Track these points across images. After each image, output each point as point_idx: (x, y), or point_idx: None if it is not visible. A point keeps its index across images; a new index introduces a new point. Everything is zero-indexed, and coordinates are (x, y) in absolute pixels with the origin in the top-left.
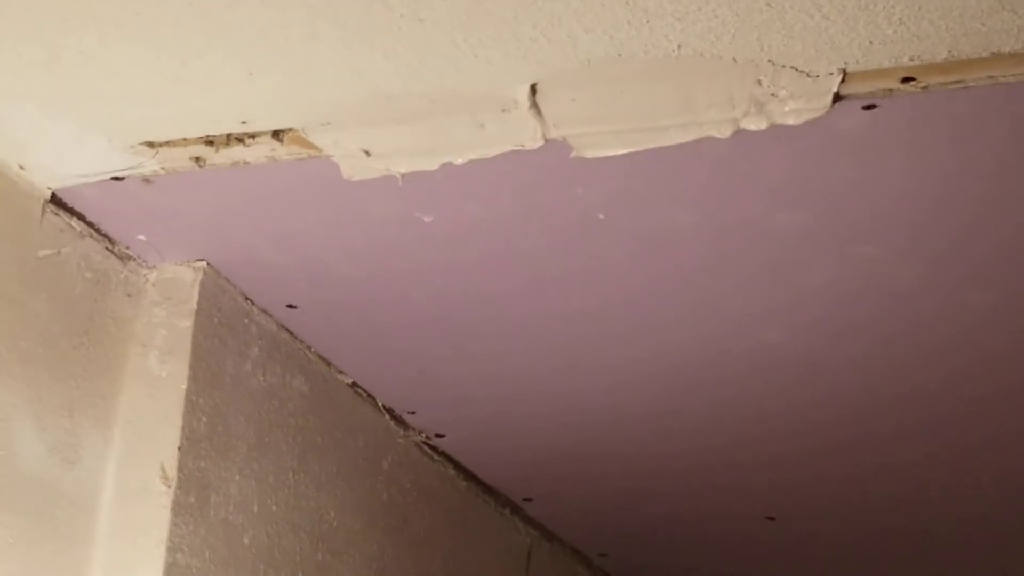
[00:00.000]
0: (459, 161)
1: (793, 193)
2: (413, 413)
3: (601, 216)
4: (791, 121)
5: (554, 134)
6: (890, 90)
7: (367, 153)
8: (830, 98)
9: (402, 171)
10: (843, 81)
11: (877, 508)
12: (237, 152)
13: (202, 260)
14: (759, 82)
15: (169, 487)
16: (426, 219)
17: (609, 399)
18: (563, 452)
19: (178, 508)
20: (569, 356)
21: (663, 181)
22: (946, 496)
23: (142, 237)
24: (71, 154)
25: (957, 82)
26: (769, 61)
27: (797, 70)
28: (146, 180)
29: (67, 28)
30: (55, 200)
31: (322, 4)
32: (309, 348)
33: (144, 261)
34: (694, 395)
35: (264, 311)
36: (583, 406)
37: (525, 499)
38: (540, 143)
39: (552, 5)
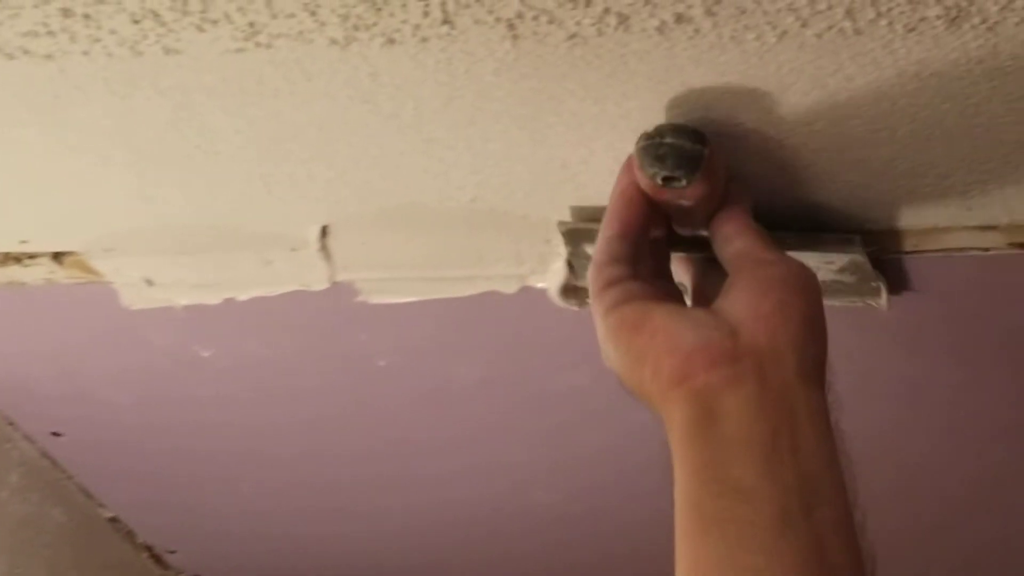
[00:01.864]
0: (242, 297)
1: (575, 355)
2: (173, 552)
3: (382, 364)
4: (575, 282)
5: (341, 277)
6: None
7: (149, 282)
8: None
9: (183, 303)
10: None
11: None
12: (13, 272)
13: None
14: (548, 241)
15: None
16: (204, 353)
17: (373, 548)
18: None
19: None
20: (338, 501)
21: (447, 333)
22: None
23: None
24: None
25: None
26: (559, 221)
27: None
28: None
29: None
30: None
31: (115, 129)
32: (71, 478)
33: None
34: (460, 551)
35: (27, 437)
36: (346, 554)
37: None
38: (326, 285)
39: (351, 150)
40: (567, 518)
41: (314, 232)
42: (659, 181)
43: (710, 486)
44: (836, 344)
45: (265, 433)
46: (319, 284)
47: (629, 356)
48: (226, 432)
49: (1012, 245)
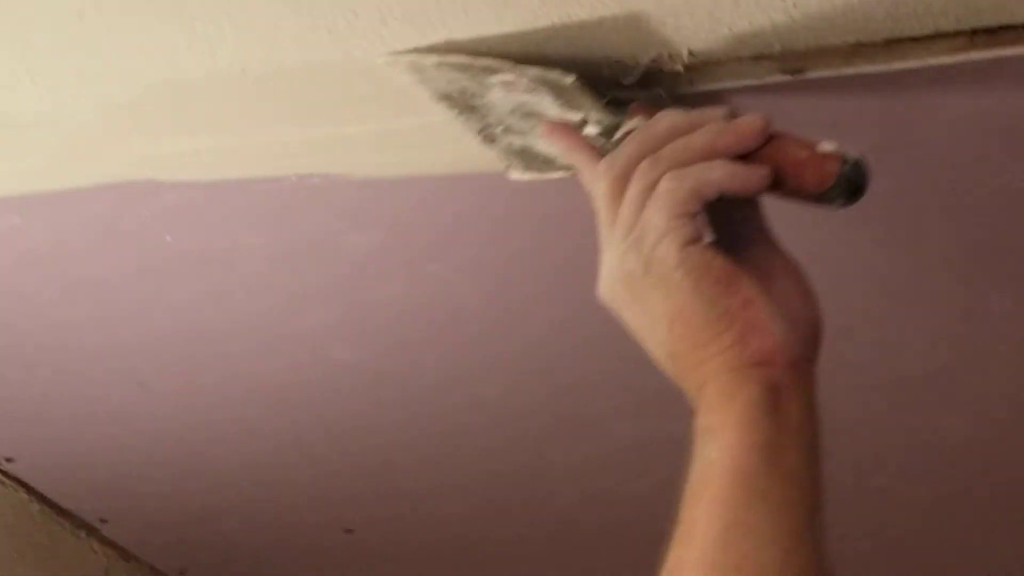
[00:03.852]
0: None
1: (362, 216)
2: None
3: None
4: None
5: None
6: None
7: None
8: None
9: None
10: None
11: (453, 521)
12: None
13: None
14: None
15: None
16: None
17: (180, 421)
18: (138, 472)
19: None
20: (139, 378)
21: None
22: (523, 511)
23: None
24: None
25: None
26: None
27: None
28: None
29: None
30: None
31: None
32: None
33: None
34: (269, 414)
35: None
36: (155, 427)
37: (101, 520)
38: None
39: None
40: (362, 370)
41: None
42: (836, 204)
43: (768, 465)
44: None
45: (59, 322)
46: None
47: (712, 308)
48: (20, 324)
49: (785, 71)
